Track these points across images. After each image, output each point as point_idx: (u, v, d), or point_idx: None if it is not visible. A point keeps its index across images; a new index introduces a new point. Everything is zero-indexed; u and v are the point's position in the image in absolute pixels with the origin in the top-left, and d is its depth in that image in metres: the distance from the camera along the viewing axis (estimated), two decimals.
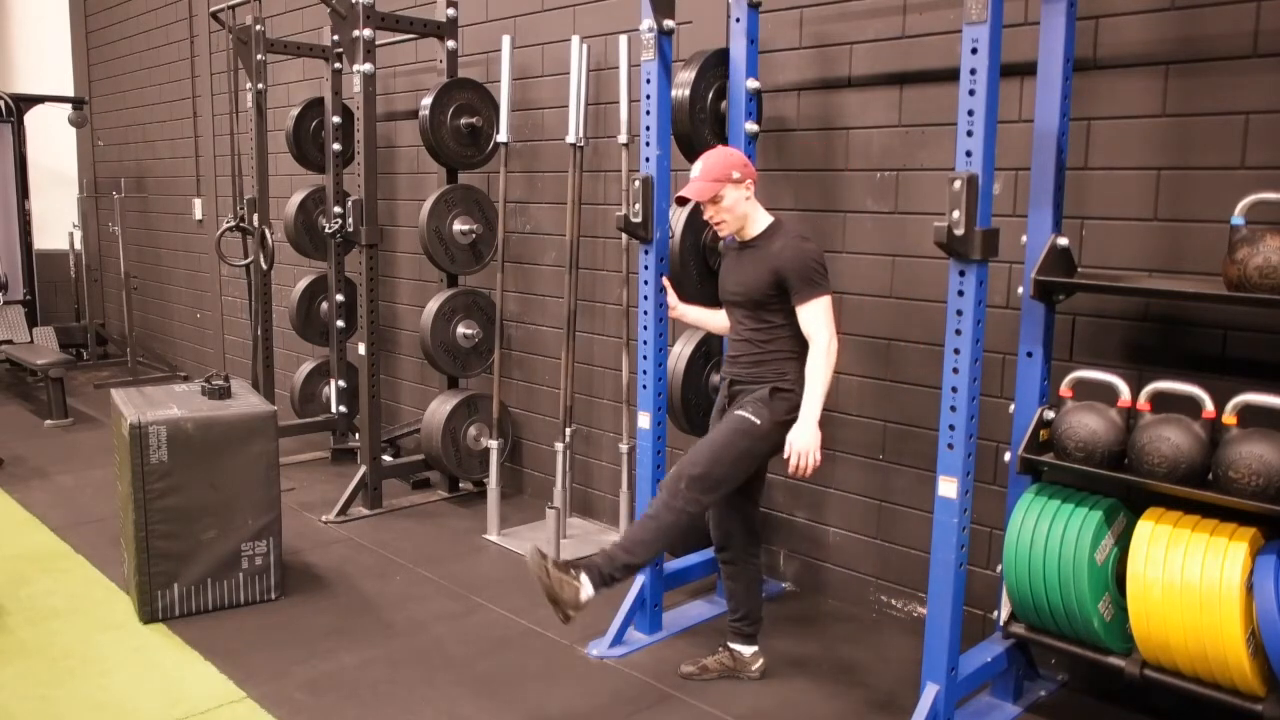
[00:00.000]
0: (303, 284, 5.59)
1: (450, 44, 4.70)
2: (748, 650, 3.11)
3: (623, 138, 4.03)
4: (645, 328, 3.29)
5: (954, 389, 2.53)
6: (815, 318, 2.83)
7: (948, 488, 2.57)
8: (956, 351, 2.52)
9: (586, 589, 2.72)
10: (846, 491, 3.63)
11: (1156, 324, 2.87)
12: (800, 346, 2.87)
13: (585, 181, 4.29)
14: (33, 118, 7.87)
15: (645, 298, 3.29)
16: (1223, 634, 2.30)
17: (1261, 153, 2.62)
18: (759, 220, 2.97)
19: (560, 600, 2.70)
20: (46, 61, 8.88)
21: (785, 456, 2.81)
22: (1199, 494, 2.38)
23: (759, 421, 2.86)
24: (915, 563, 3.43)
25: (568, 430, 4.31)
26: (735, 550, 3.08)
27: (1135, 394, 2.56)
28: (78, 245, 8.33)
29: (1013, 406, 2.81)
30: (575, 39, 4.07)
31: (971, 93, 2.40)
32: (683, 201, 3.01)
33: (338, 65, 4.91)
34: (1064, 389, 2.69)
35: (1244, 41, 2.62)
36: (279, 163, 5.98)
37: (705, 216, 3.00)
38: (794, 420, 2.84)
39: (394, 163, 5.47)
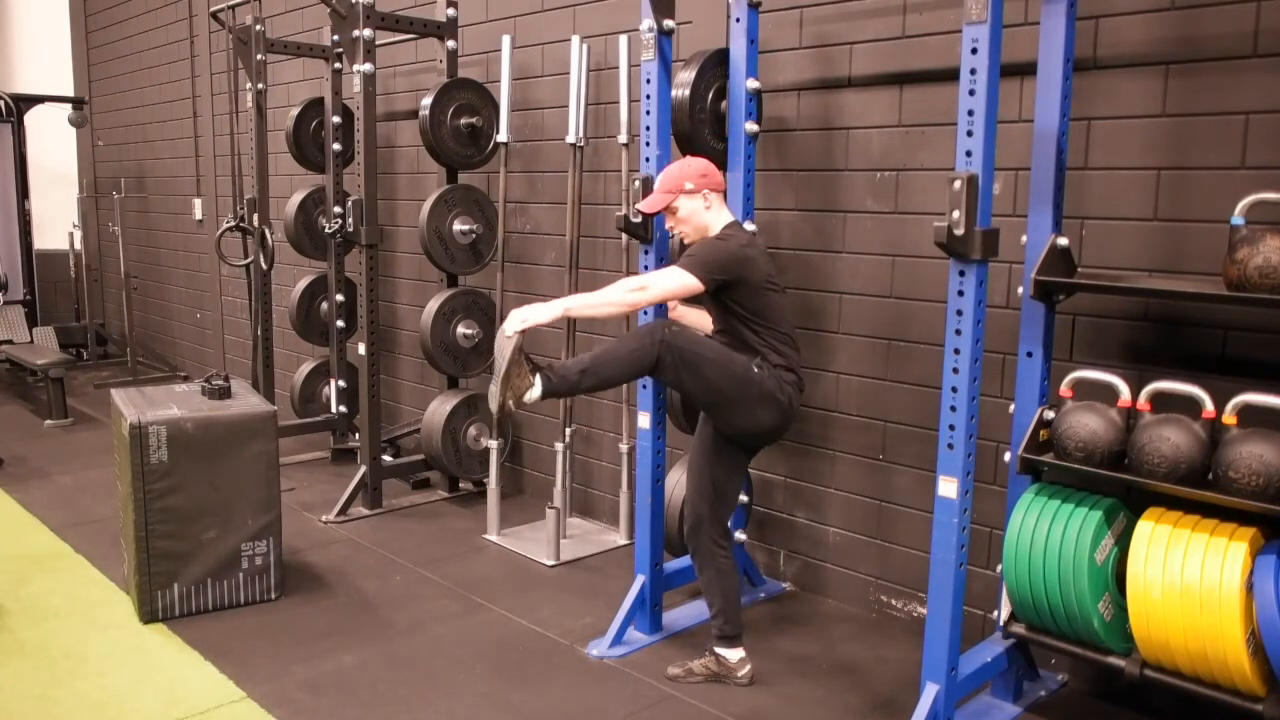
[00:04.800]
0: (303, 284, 5.59)
1: (450, 44, 4.70)
2: (733, 655, 3.07)
3: (623, 138, 4.03)
4: None
5: (954, 389, 2.53)
6: (661, 269, 2.94)
7: (948, 488, 2.57)
8: (956, 351, 2.52)
9: (536, 390, 2.78)
10: (846, 491, 3.63)
11: (1156, 324, 2.87)
12: (771, 338, 2.94)
13: (585, 181, 4.30)
14: (33, 118, 7.87)
15: None
16: (1223, 634, 2.30)
17: (1261, 153, 2.62)
18: (717, 228, 3.02)
19: (510, 383, 2.74)
20: (46, 61, 8.87)
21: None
22: (1199, 494, 2.38)
23: (757, 370, 2.89)
24: (915, 563, 3.43)
25: (568, 430, 4.31)
26: (702, 537, 3.03)
27: (1135, 394, 2.56)
28: (78, 245, 8.32)
29: (1013, 406, 2.81)
30: (575, 39, 4.07)
31: (971, 93, 2.40)
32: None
33: (338, 65, 4.91)
34: (1064, 389, 2.69)
35: (1244, 41, 2.62)
36: (279, 163, 5.98)
37: (667, 227, 3.10)
38: (784, 400, 2.92)
39: (394, 163, 5.47)
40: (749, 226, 3.35)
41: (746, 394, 2.88)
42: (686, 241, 3.08)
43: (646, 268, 3.27)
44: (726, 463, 3.04)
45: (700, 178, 2.98)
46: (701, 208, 2.99)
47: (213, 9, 5.69)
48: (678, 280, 2.84)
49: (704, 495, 3.03)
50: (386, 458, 4.93)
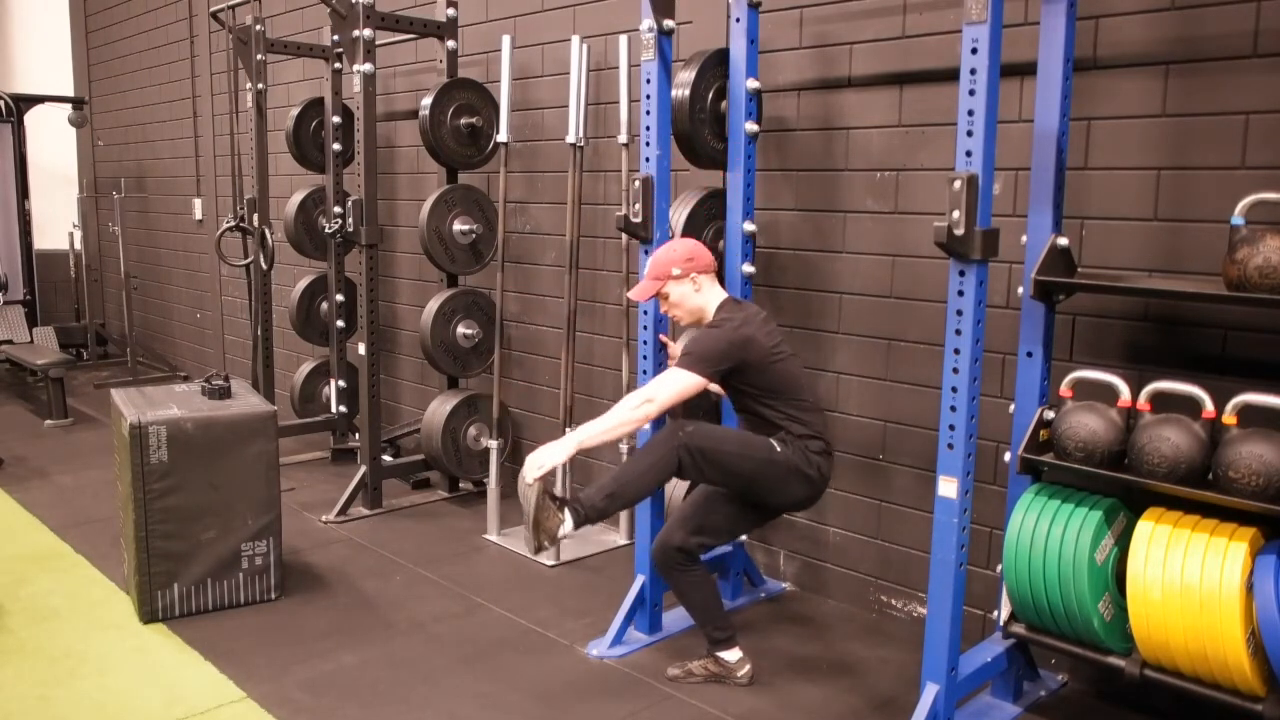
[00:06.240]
0: (303, 284, 5.58)
1: (450, 44, 4.70)
2: (731, 656, 3.06)
3: (623, 138, 4.03)
4: (645, 328, 3.29)
5: (954, 389, 2.53)
6: (662, 375, 2.92)
7: (948, 488, 2.57)
8: (956, 351, 2.52)
9: (568, 524, 2.78)
10: (846, 491, 3.63)
11: (1156, 324, 2.87)
12: (788, 409, 2.93)
13: (585, 181, 4.29)
14: (33, 118, 7.87)
15: None
16: (1223, 634, 2.30)
17: (1261, 153, 2.62)
18: (711, 309, 3.03)
19: (541, 527, 2.74)
20: (46, 61, 8.87)
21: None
22: (1199, 494, 2.38)
23: (780, 448, 2.90)
24: (915, 563, 3.43)
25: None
26: (668, 556, 2.99)
27: (1135, 394, 2.56)
28: (78, 245, 8.32)
29: (1013, 406, 2.81)
30: (575, 39, 4.07)
31: (971, 93, 2.40)
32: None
33: (338, 65, 4.91)
34: (1064, 389, 2.69)
35: (1244, 41, 2.62)
36: (279, 163, 5.98)
37: (661, 311, 3.13)
38: (813, 473, 2.92)
39: (394, 163, 5.47)
40: (748, 227, 3.36)
41: (774, 475, 2.90)
42: (682, 324, 3.11)
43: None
44: (737, 518, 3.05)
45: (686, 261, 3.00)
46: (691, 291, 3.01)
47: (213, 9, 5.69)
48: (681, 382, 2.85)
49: (688, 530, 2.97)
50: (386, 458, 4.93)
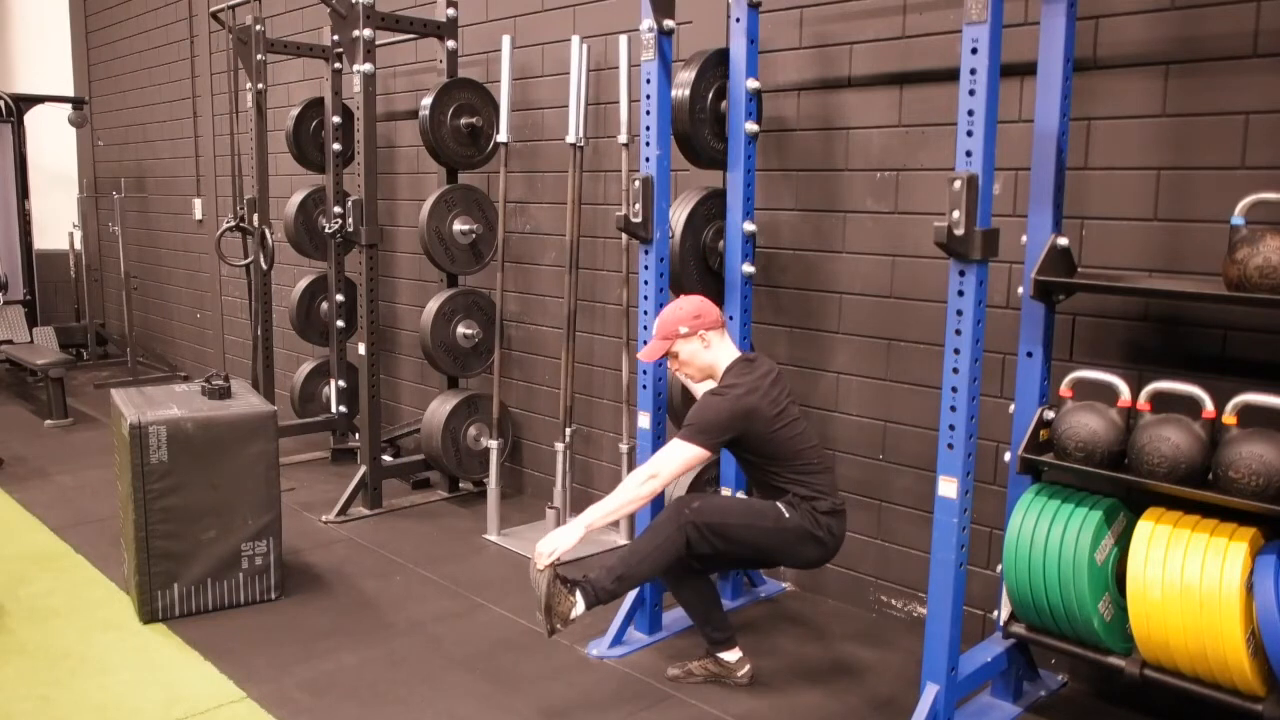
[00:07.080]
0: (303, 284, 5.59)
1: (450, 44, 4.70)
2: (731, 656, 3.06)
3: (623, 138, 4.03)
4: (645, 328, 3.29)
5: (954, 389, 2.53)
6: (664, 449, 2.90)
7: (948, 488, 2.57)
8: (956, 351, 2.52)
9: (579, 606, 2.76)
10: (847, 491, 3.62)
11: (1156, 324, 2.87)
12: (793, 473, 2.91)
13: (585, 181, 4.29)
14: (33, 118, 7.87)
15: (645, 298, 3.29)
16: (1223, 634, 2.30)
17: (1261, 153, 2.62)
18: (722, 366, 3.00)
19: (553, 611, 2.74)
20: (46, 61, 8.88)
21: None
22: (1199, 494, 2.38)
23: (788, 514, 2.88)
24: (915, 563, 3.43)
25: (568, 430, 4.31)
26: (678, 564, 3.00)
27: (1135, 394, 2.56)
28: (78, 245, 8.32)
29: (1013, 406, 2.81)
30: (575, 39, 4.07)
31: (971, 93, 2.40)
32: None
33: (338, 65, 4.91)
34: (1064, 389, 2.69)
35: (1244, 41, 2.63)
36: (279, 163, 5.98)
37: (671, 370, 3.11)
38: (822, 534, 2.90)
39: (394, 163, 5.47)
40: (748, 227, 3.36)
41: (784, 541, 2.89)
42: (695, 380, 3.10)
43: (646, 268, 3.27)
44: (743, 561, 3.09)
45: (693, 319, 2.97)
46: (700, 349, 2.98)
47: (213, 9, 5.69)
48: (683, 455, 2.83)
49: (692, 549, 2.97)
50: (386, 458, 4.93)
